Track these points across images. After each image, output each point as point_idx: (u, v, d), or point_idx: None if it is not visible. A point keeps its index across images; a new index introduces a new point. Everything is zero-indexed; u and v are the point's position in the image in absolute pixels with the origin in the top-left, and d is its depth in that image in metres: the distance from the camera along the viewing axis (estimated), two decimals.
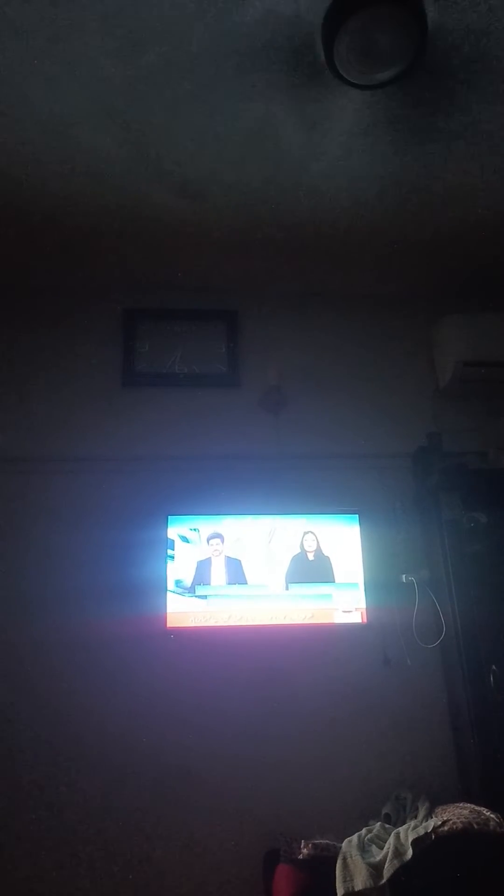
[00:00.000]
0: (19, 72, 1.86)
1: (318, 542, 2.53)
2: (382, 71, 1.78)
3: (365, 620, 2.45)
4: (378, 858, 1.91)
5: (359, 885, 1.83)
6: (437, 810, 2.09)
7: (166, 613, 2.39)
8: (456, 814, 1.98)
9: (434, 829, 1.91)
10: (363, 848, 1.97)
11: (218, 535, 2.50)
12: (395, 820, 2.17)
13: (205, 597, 2.43)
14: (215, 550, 2.49)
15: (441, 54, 1.83)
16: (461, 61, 1.86)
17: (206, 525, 2.52)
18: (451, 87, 1.95)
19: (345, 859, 1.93)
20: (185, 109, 2.01)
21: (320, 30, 1.73)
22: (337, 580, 2.49)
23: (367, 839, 2.02)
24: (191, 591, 2.43)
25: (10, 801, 2.23)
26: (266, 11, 1.70)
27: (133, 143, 2.14)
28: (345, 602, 2.46)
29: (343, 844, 1.99)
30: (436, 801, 2.18)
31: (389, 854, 1.89)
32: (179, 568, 2.45)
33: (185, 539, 2.49)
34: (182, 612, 2.40)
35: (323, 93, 1.94)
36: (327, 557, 2.52)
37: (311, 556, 2.52)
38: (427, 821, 1.99)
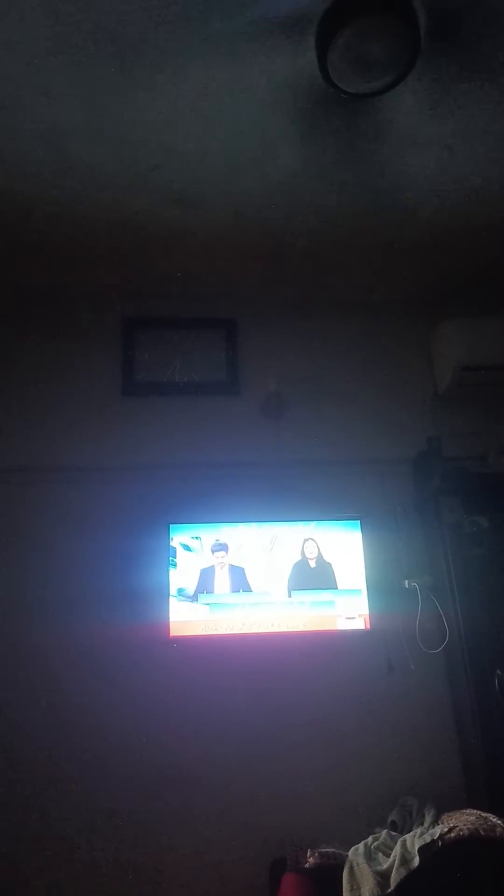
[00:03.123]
0: (16, 82, 1.88)
1: (318, 548, 2.53)
2: (376, 79, 1.79)
3: (368, 626, 2.45)
4: (385, 866, 1.90)
5: (366, 893, 1.82)
6: (443, 817, 2.08)
7: (169, 622, 2.39)
8: (462, 820, 1.97)
9: (441, 836, 1.90)
10: (370, 856, 1.96)
11: (222, 548, 2.50)
12: (401, 827, 2.16)
13: (207, 605, 2.42)
14: (220, 562, 2.48)
15: (434, 61, 1.84)
16: (455, 67, 1.87)
17: (207, 533, 2.52)
18: (445, 92, 1.96)
19: (351, 868, 1.92)
20: (181, 119, 2.02)
21: (314, 38, 1.75)
22: (339, 586, 2.49)
23: (374, 847, 2.01)
24: (193, 599, 2.43)
25: (13, 806, 2.22)
26: (260, 20, 1.71)
27: (130, 152, 2.15)
28: (348, 608, 2.46)
29: (349, 853, 1.99)
30: (442, 808, 2.17)
31: (396, 862, 1.88)
32: (182, 576, 2.45)
33: (187, 547, 2.49)
34: (185, 620, 2.40)
35: (317, 100, 1.96)
36: (329, 564, 2.51)
37: (312, 563, 2.51)
38: (433, 828, 1.98)
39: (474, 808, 2.13)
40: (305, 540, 2.54)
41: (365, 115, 2.02)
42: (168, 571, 2.45)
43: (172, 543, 2.48)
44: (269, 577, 2.48)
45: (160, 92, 1.92)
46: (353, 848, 2.01)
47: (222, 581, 2.47)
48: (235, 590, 2.46)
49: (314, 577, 2.50)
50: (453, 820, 1.99)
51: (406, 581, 2.54)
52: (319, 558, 2.52)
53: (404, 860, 1.88)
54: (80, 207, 2.38)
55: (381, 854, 1.97)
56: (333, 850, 2.04)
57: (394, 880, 1.84)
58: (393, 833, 2.09)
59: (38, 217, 2.42)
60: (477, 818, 1.98)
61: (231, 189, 2.34)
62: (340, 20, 1.66)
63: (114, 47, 1.77)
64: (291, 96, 1.94)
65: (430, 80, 1.90)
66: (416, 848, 1.88)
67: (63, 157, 2.16)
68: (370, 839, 2.05)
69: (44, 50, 1.78)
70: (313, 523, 2.57)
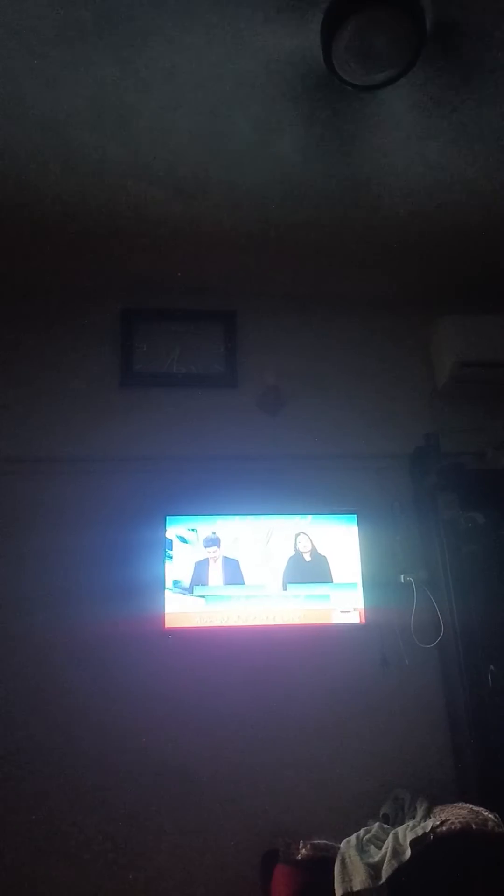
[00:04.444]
0: (17, 72, 1.86)
1: (312, 542, 2.53)
2: (381, 72, 1.78)
3: (363, 621, 2.45)
4: (376, 859, 1.91)
5: (357, 885, 1.83)
6: (435, 810, 2.09)
7: (164, 614, 2.39)
8: (454, 814, 1.98)
9: (432, 829, 1.91)
10: (361, 848, 1.97)
11: (214, 542, 2.50)
12: (393, 820, 2.17)
13: (203, 597, 2.43)
14: (213, 555, 2.48)
15: (440, 55, 1.83)
16: (460, 62, 1.86)
17: (203, 525, 2.51)
18: (450, 88, 1.95)
19: (343, 860, 1.93)
20: (182, 110, 2.01)
21: (319, 30, 1.73)
22: (335, 580, 2.49)
23: (366, 839, 2.02)
24: (189, 591, 2.43)
25: (10, 801, 2.22)
26: (264, 11, 1.70)
27: (131, 142, 2.14)
28: (343, 602, 2.46)
29: (341, 845, 2.00)
30: (434, 801, 2.18)
31: (388, 854, 1.89)
32: (178, 568, 2.45)
33: (183, 539, 2.49)
34: (180, 612, 2.40)
35: (320, 93, 1.95)
36: (324, 558, 2.52)
37: (307, 557, 2.52)
38: (425, 821, 1.99)
39: (466, 801, 2.15)
40: (298, 534, 2.54)
41: (367, 108, 2.01)
42: (164, 563, 2.45)
43: (168, 535, 2.48)
44: (264, 569, 2.48)
45: (161, 81, 1.91)
46: (345, 840, 2.02)
47: (216, 573, 2.47)
48: (229, 582, 2.46)
49: (309, 570, 2.50)
50: (445, 813, 2.00)
51: (401, 576, 2.55)
52: (314, 552, 2.52)
53: (396, 853, 1.89)
54: (80, 197, 2.37)
55: (372, 846, 1.98)
56: (325, 842, 2.05)
57: (385, 872, 1.85)
58: (385, 826, 2.10)
59: (38, 207, 2.41)
60: (469, 812, 1.99)
61: (232, 181, 2.33)
62: (346, 12, 1.65)
63: (115, 37, 1.76)
64: (295, 88, 1.93)
65: (433, 74, 1.90)
66: (408, 841, 1.89)
67: (64, 147, 2.14)
68: (362, 831, 2.06)
69: (45, 39, 1.76)
70: (310, 517, 2.57)
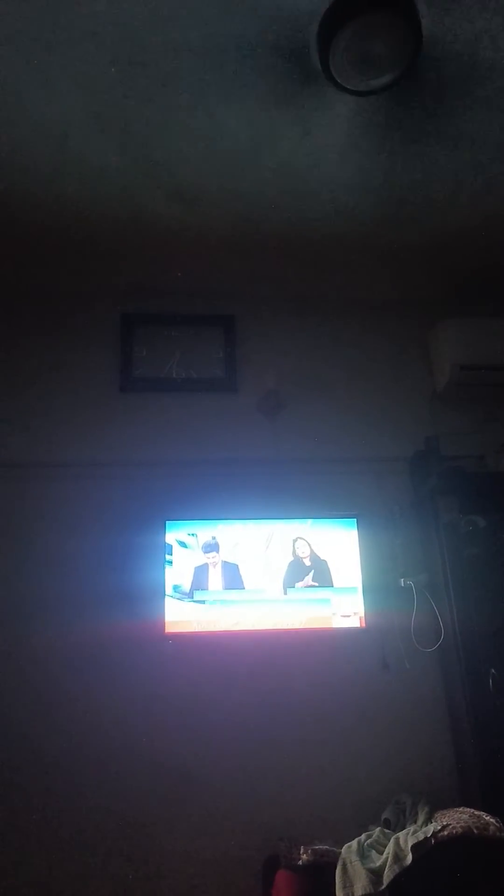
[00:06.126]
0: (17, 78, 1.87)
1: (311, 547, 2.53)
2: (377, 77, 1.79)
3: (363, 625, 2.45)
4: (378, 864, 1.90)
5: (359, 890, 1.83)
6: (436, 815, 2.09)
7: (164, 619, 2.39)
8: (455, 818, 1.98)
9: (434, 833, 1.91)
10: (363, 853, 1.97)
11: (213, 548, 2.49)
12: (394, 825, 2.16)
13: (203, 602, 2.42)
14: (212, 560, 2.48)
15: (436, 61, 1.84)
16: (455, 68, 1.87)
17: (203, 530, 2.51)
18: (446, 93, 1.96)
19: (344, 865, 1.92)
20: (181, 115, 2.02)
21: (316, 36, 1.74)
22: (335, 585, 2.49)
23: (367, 844, 2.01)
24: (189, 596, 2.43)
25: (11, 804, 2.22)
26: (262, 18, 1.70)
27: (130, 148, 2.14)
28: (343, 606, 2.46)
29: (343, 850, 1.99)
30: (435, 806, 2.17)
31: (389, 859, 1.88)
32: (178, 573, 2.45)
33: (183, 544, 2.49)
34: (180, 617, 2.40)
35: (318, 98, 1.95)
36: (325, 562, 2.51)
37: (306, 562, 2.51)
38: (427, 826, 1.99)
39: (468, 806, 2.14)
40: (295, 539, 2.54)
41: (366, 113, 2.01)
42: (164, 568, 2.45)
43: (168, 540, 2.48)
44: (264, 574, 2.48)
45: (160, 88, 1.91)
46: (346, 845, 2.01)
47: (215, 578, 2.46)
48: (229, 587, 2.46)
49: (309, 574, 2.50)
50: (446, 818, 2.00)
51: (402, 579, 2.55)
52: (314, 556, 2.52)
53: (397, 858, 1.88)
54: (80, 204, 2.38)
55: (374, 851, 1.98)
56: (327, 847, 2.04)
57: (386, 878, 1.84)
58: (386, 830, 2.10)
59: (38, 213, 2.41)
60: (470, 816, 1.99)
61: (231, 186, 2.33)
62: (342, 18, 1.66)
63: (113, 44, 1.77)
64: (293, 94, 1.94)
65: (432, 78, 1.90)
66: (409, 846, 1.88)
67: (63, 154, 2.15)
68: (363, 836, 2.05)
69: (44, 46, 1.77)
70: (310, 521, 2.57)
